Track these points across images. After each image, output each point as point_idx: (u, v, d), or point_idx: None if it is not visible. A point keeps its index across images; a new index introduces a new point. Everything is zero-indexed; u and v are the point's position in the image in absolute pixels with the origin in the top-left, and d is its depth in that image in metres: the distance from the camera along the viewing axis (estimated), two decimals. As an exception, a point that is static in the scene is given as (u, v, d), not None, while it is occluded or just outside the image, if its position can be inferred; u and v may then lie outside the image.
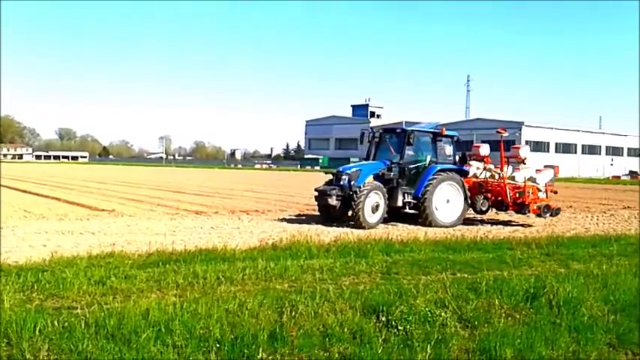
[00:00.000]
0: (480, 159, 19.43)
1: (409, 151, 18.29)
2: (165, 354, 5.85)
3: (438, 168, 17.99)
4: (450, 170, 18.33)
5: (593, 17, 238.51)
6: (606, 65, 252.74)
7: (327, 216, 17.67)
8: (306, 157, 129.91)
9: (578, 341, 6.86)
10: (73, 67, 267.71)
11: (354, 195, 16.61)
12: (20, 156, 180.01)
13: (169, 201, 24.94)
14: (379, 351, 6.21)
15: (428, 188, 17.52)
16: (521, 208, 18.15)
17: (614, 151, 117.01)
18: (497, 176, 18.84)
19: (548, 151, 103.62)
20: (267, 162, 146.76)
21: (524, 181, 18.53)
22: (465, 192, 18.21)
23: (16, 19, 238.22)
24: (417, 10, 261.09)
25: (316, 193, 17.69)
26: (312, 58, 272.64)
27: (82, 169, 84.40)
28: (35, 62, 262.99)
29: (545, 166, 21.22)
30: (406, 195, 17.63)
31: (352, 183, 16.95)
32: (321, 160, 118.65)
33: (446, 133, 18.71)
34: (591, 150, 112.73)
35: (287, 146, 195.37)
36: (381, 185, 17.19)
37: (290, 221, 17.75)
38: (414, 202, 17.64)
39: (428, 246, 12.29)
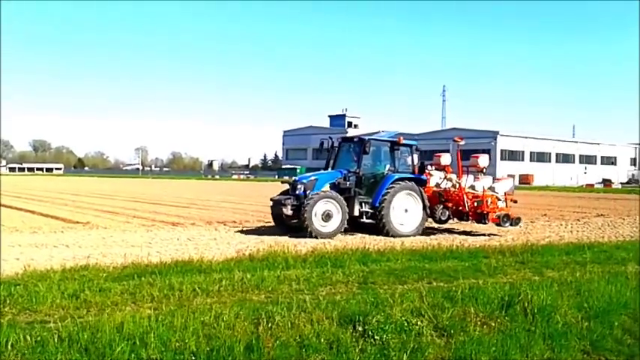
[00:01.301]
0: (441, 168, 19.34)
1: (367, 160, 18.15)
2: (140, 367, 5.79)
3: (396, 177, 17.82)
4: (409, 179, 18.13)
5: (567, 28, 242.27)
6: (579, 75, 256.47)
7: (282, 226, 17.50)
8: (283, 167, 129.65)
9: (553, 348, 6.94)
10: (47, 77, 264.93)
11: (303, 204, 16.53)
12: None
13: (145, 212, 24.75)
14: (356, 361, 6.21)
15: (385, 197, 17.35)
16: (480, 217, 18.14)
17: (588, 160, 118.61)
18: (458, 186, 18.82)
19: (522, 159, 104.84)
20: (245, 172, 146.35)
21: (483, 191, 18.50)
22: (423, 201, 18.03)
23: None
24: (393, 21, 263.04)
25: (271, 203, 17.58)
26: (289, 69, 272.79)
27: (56, 180, 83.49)
28: (7, 73, 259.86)
29: (509, 175, 21.34)
30: (364, 204, 17.49)
31: (307, 192, 16.86)
32: (298, 170, 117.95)
33: (404, 142, 18.55)
34: (565, 159, 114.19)
35: (264, 157, 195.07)
36: (336, 194, 17.00)
37: (267, 232, 17.69)
38: (372, 211, 17.48)
39: (404, 255, 12.34)
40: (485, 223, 18.47)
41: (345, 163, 18.50)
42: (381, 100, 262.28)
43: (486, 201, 18.22)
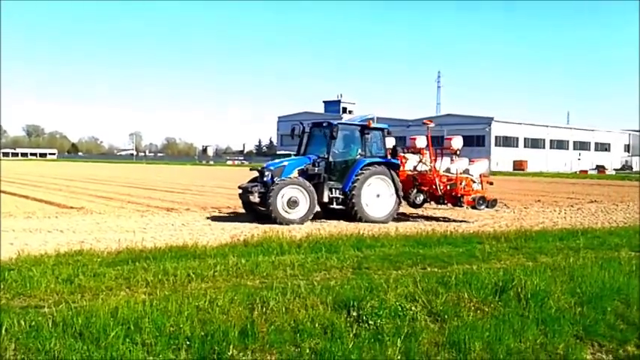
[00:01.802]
0: (417, 151, 19.11)
1: (337, 146, 17.86)
2: (134, 352, 5.78)
3: (367, 162, 17.53)
4: (380, 164, 17.80)
5: (562, 13, 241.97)
6: (574, 60, 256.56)
7: (252, 213, 17.33)
8: (278, 152, 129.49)
9: (546, 333, 6.96)
10: (41, 63, 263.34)
11: (268, 190, 16.35)
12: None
13: (140, 198, 24.72)
14: (350, 346, 6.22)
15: (356, 183, 17.11)
16: (455, 200, 17.99)
17: (582, 146, 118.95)
18: (431, 169, 18.63)
19: (517, 146, 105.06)
20: (240, 158, 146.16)
21: (457, 173, 18.39)
22: (396, 186, 17.78)
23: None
24: (388, 6, 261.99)
25: (240, 191, 17.36)
26: (284, 54, 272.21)
27: (50, 166, 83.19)
28: (2, 59, 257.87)
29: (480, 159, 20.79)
30: (334, 190, 17.30)
31: (275, 179, 16.66)
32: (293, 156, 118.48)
33: (374, 125, 18.27)
34: (559, 145, 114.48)
35: (259, 142, 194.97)
36: (303, 181, 16.79)
37: (261, 217, 17.67)
38: (343, 197, 17.30)
39: (399, 241, 12.36)
40: (460, 206, 18.37)
41: (316, 149, 18.24)
42: (376, 86, 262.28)
43: (460, 183, 18.12)
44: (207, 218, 17.20)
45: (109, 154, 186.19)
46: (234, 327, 6.30)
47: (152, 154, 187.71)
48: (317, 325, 6.61)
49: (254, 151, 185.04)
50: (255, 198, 16.60)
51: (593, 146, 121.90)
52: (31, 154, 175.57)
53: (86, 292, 7.65)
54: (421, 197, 18.33)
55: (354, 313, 6.94)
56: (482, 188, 18.83)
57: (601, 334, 7.17)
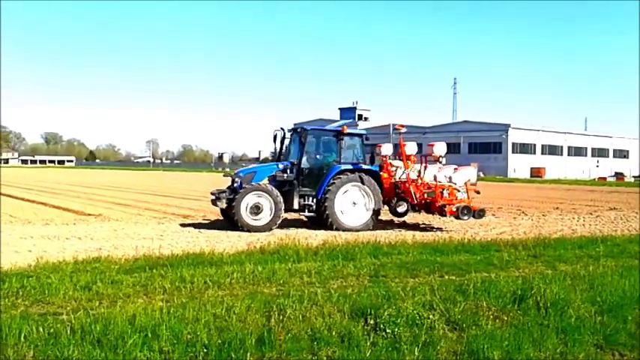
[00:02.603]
0: (407, 159, 18.30)
1: (308, 151, 17.54)
2: (152, 359, 5.80)
3: (341, 168, 17.09)
4: (356, 171, 17.31)
5: (579, 19, 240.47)
6: (592, 67, 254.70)
7: (227, 219, 17.22)
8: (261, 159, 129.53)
9: (566, 342, 6.87)
10: (59, 70, 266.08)
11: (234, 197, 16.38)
12: (6, 161, 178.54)
13: (157, 205, 24.83)
14: (367, 354, 6.20)
15: (329, 189, 16.76)
16: (439, 209, 17.14)
17: (600, 153, 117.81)
18: (432, 176, 17.81)
19: (534, 153, 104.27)
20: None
21: (436, 181, 17.55)
22: (374, 193, 17.24)
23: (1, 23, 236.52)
24: (405, 13, 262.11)
25: (212, 197, 17.34)
26: (301, 61, 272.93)
27: (68, 173, 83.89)
28: (21, 67, 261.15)
29: (473, 164, 20.06)
30: (307, 197, 17.04)
31: (244, 186, 16.64)
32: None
33: (349, 131, 17.63)
34: (577, 152, 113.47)
35: (275, 149, 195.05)
36: (268, 187, 16.60)
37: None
38: (315, 204, 17.01)
39: (416, 248, 12.31)
40: (444, 215, 17.56)
41: (294, 155, 17.87)
42: (392, 92, 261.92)
43: (439, 192, 17.34)
44: (224, 225, 17.23)
45: (126, 161, 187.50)
46: (251, 335, 6.29)
47: (169, 161, 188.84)
48: (334, 333, 6.58)
49: (270, 158, 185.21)
50: (222, 204, 16.65)
51: (611, 153, 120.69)
52: (50, 162, 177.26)
53: (104, 299, 7.69)
54: (405, 206, 17.68)
55: (371, 322, 6.90)
56: (467, 197, 17.84)
57: (622, 344, 7.08)
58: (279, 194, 16.49)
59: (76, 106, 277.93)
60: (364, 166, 17.57)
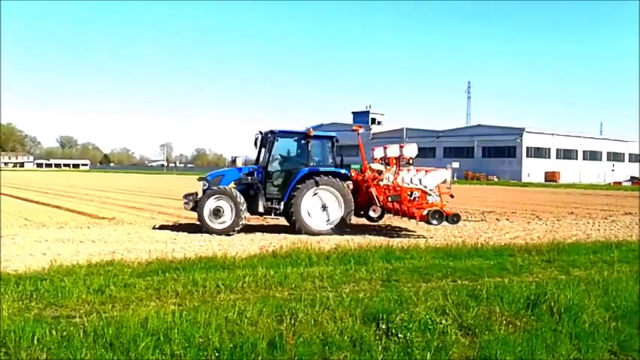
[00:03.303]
0: (387, 162, 18.09)
1: (275, 155, 17.49)
2: (163, 363, 5.82)
3: (307, 171, 16.88)
4: (327, 174, 17.01)
5: (594, 22, 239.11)
6: (607, 70, 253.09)
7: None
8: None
9: (580, 348, 6.81)
10: (74, 75, 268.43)
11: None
12: (22, 164, 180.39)
13: (170, 209, 24.94)
14: (379, 359, 6.18)
15: (295, 193, 16.64)
16: (412, 213, 16.48)
17: (615, 157, 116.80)
18: (399, 179, 17.30)
19: (549, 157, 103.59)
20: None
21: (402, 185, 17.01)
22: (344, 197, 16.87)
23: (16, 27, 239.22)
24: (418, 16, 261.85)
25: (184, 201, 17.39)
26: (314, 65, 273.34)
27: (83, 176, 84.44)
28: (36, 71, 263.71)
29: (444, 168, 19.14)
30: (274, 201, 17.05)
31: (210, 189, 16.83)
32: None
33: (316, 133, 17.61)
34: (592, 156, 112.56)
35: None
36: (229, 190, 16.55)
37: (290, 228, 17.69)
38: (282, 208, 16.94)
39: (428, 253, 12.25)
40: (415, 219, 16.81)
41: (264, 158, 17.68)
42: (406, 96, 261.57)
43: (406, 195, 16.80)
44: (235, 229, 17.23)
45: (140, 165, 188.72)
46: (263, 339, 6.29)
47: (182, 165, 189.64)
48: (346, 337, 6.56)
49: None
50: (188, 207, 16.92)
51: (627, 157, 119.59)
52: (65, 165, 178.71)
53: (117, 302, 7.73)
54: (379, 210, 17.34)
55: (383, 326, 6.88)
56: (440, 201, 17.04)
57: (636, 350, 6.99)
58: (240, 197, 16.50)
59: (91, 110, 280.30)
60: (331, 169, 17.28)
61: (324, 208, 16.98)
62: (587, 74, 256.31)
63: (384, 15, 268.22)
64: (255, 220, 19.87)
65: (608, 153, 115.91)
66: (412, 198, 17.08)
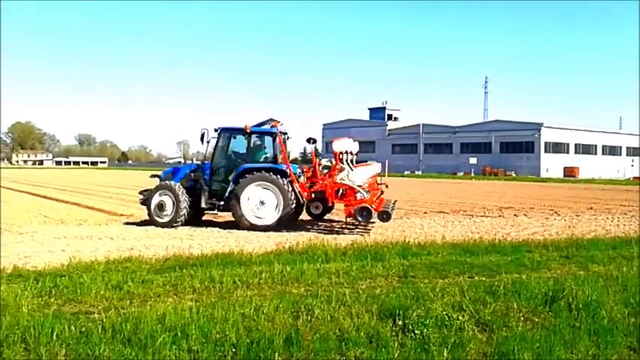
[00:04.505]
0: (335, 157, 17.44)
1: (219, 151, 17.66)
2: (181, 358, 5.85)
3: (246, 167, 16.89)
4: (262, 170, 16.88)
5: (612, 15, 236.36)
6: (626, 65, 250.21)
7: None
8: (322, 160, 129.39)
9: (598, 345, 6.75)
10: (93, 73, 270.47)
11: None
12: (40, 162, 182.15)
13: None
14: (396, 355, 6.17)
15: (234, 189, 16.72)
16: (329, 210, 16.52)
17: (635, 152, 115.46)
18: (341, 175, 16.59)
19: (567, 152, 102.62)
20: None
21: (327, 180, 16.63)
22: (283, 193, 16.54)
23: (32, 26, 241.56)
24: (435, 12, 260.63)
25: (140, 197, 18.15)
26: (330, 61, 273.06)
27: (101, 174, 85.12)
28: (54, 69, 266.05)
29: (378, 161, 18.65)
30: (217, 197, 17.32)
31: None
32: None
33: (255, 129, 17.38)
34: (612, 151, 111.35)
35: (304, 150, 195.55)
36: (172, 185, 17.16)
37: (307, 224, 17.71)
38: (223, 203, 17.09)
39: (445, 249, 12.20)
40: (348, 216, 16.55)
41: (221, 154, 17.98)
42: (422, 92, 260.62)
43: (331, 192, 16.50)
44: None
45: (158, 162, 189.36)
46: (280, 335, 6.31)
47: (199, 162, 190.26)
48: (362, 333, 6.56)
49: (299, 159, 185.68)
50: (140, 201, 17.84)
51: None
52: (83, 163, 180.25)
53: (135, 298, 7.79)
54: (320, 206, 17.72)
55: (400, 322, 6.87)
56: (370, 197, 16.52)
57: (656, 346, 6.92)
58: (182, 192, 17.09)
59: (110, 108, 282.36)
60: (268, 165, 17.13)
61: (262, 203, 16.79)
62: (606, 68, 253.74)
63: (401, 10, 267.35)
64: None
65: (627, 148, 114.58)
66: (340, 194, 16.85)
